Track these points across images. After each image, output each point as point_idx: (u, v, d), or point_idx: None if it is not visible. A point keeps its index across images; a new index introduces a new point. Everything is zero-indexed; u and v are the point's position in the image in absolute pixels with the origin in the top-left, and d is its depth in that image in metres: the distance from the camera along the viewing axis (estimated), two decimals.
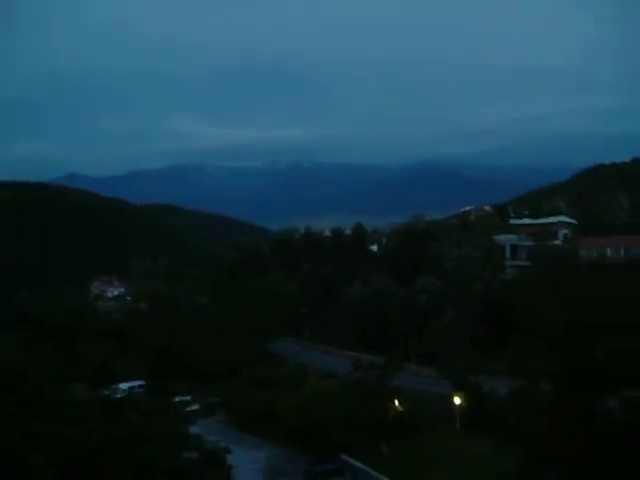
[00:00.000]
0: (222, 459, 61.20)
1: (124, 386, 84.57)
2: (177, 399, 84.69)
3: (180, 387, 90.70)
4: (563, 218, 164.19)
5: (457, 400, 67.74)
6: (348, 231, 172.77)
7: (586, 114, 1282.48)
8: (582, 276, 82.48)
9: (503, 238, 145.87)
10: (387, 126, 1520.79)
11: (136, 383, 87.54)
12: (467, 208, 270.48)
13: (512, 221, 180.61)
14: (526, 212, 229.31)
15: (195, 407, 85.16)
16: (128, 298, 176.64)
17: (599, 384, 29.15)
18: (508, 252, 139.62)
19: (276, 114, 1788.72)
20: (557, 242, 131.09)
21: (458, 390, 68.42)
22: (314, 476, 62.02)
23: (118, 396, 74.44)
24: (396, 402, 70.15)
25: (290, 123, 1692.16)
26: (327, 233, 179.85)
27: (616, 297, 48.08)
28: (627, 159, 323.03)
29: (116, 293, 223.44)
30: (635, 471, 26.79)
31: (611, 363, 29.04)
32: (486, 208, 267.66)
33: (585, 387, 28.85)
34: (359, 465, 62.72)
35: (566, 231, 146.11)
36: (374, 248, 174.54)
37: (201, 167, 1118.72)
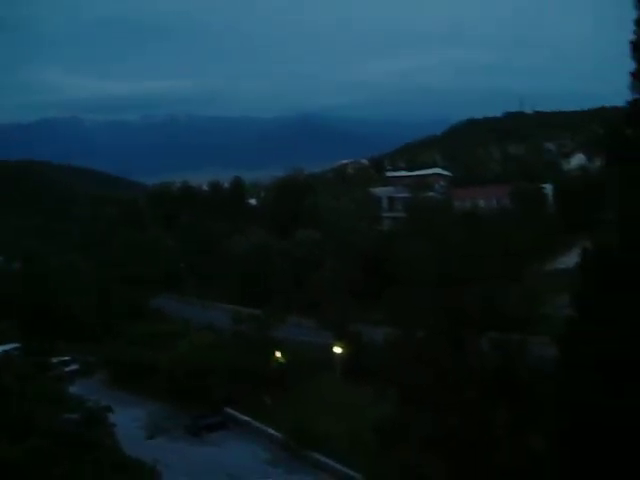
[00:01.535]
0: (103, 418, 60.33)
1: None
2: (55, 360, 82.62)
3: (58, 347, 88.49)
4: (438, 170, 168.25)
5: (337, 349, 69.13)
6: (226, 185, 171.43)
7: (461, 68, 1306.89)
8: (455, 226, 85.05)
9: (380, 190, 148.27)
10: (264, 79, 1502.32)
11: (10, 346, 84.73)
12: (344, 161, 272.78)
13: (389, 173, 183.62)
14: (402, 165, 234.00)
15: (74, 367, 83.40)
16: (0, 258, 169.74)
17: (471, 329, 30.48)
18: (385, 204, 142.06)
19: (151, 65, 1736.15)
20: (432, 194, 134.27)
21: (338, 340, 69.82)
22: (197, 430, 62.34)
23: None
24: (278, 353, 70.95)
25: (166, 74, 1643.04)
26: (205, 187, 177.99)
27: (487, 246, 49.94)
28: (499, 114, 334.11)
29: None
30: (506, 409, 28.30)
31: (482, 309, 30.40)
32: (363, 161, 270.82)
33: (458, 333, 30.10)
34: (243, 417, 63.47)
35: (441, 183, 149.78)
36: (253, 202, 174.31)
37: (74, 120, 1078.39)
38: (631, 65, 22.38)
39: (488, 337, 30.64)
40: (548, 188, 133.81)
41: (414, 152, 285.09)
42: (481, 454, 27.39)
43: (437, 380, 28.60)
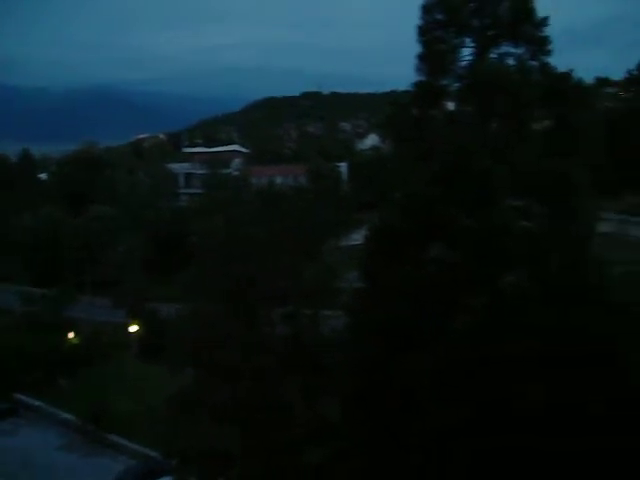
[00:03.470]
0: None
1: None
2: None
3: None
4: (236, 147, 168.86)
5: (133, 328, 68.11)
6: (14, 159, 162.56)
7: (263, 47, 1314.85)
8: (252, 203, 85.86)
9: (177, 166, 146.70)
10: (53, 47, 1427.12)
11: None
12: (141, 136, 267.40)
13: (186, 149, 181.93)
14: (200, 141, 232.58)
15: None
16: None
17: (265, 302, 31.19)
18: (182, 180, 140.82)
19: None
20: (230, 170, 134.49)
21: (133, 318, 68.83)
22: None
23: None
24: (71, 334, 68.81)
25: None
26: None
27: (282, 222, 50.92)
28: (297, 93, 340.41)
29: None
30: (298, 376, 29.34)
31: (276, 283, 31.18)
32: (160, 136, 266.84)
33: (249, 305, 30.74)
34: (35, 402, 60.84)
35: (239, 160, 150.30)
36: (44, 176, 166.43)
37: None
38: (418, 49, 23.50)
39: (282, 310, 31.51)
40: (343, 167, 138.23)
41: (212, 128, 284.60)
42: (274, 421, 28.16)
43: (229, 350, 29.07)
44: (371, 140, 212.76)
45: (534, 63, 22.69)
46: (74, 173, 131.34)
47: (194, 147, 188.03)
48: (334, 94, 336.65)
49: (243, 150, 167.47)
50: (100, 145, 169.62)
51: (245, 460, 29.27)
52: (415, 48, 23.43)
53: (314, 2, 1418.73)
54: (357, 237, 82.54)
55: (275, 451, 28.20)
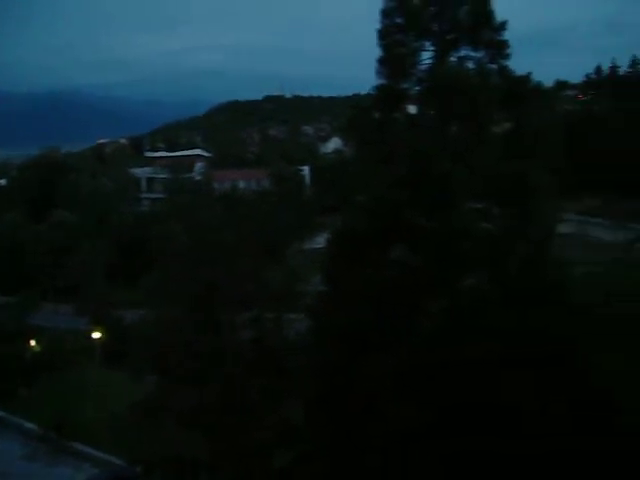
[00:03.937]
0: None
1: None
2: None
3: None
4: (199, 151, 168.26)
5: (96, 335, 67.27)
6: None
7: (223, 51, 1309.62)
8: (214, 206, 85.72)
9: (139, 171, 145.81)
10: (13, 50, 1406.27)
11: None
12: (102, 140, 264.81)
13: (148, 154, 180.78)
14: (162, 145, 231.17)
15: None
16: None
17: (229, 307, 31.12)
18: (144, 185, 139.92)
19: None
20: (193, 175, 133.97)
21: (97, 324, 68.07)
22: None
23: None
24: (32, 342, 67.88)
25: None
26: None
27: (245, 226, 50.89)
28: (260, 97, 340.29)
29: None
30: (263, 379, 29.32)
31: (240, 287, 31.11)
32: (122, 141, 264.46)
33: (213, 310, 30.65)
34: None
35: (202, 164, 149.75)
36: (3, 182, 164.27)
37: None
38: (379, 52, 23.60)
39: (247, 314, 31.49)
40: (306, 170, 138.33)
41: (175, 133, 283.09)
42: (241, 425, 28.10)
43: (194, 355, 28.98)
44: (334, 143, 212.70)
45: (493, 66, 22.87)
46: (35, 178, 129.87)
47: (156, 151, 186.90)
48: (297, 97, 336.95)
49: (206, 154, 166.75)
50: (62, 150, 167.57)
51: (212, 465, 29.18)
52: (376, 51, 23.53)
53: (275, 6, 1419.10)
54: (321, 240, 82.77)
55: (242, 455, 28.13)
